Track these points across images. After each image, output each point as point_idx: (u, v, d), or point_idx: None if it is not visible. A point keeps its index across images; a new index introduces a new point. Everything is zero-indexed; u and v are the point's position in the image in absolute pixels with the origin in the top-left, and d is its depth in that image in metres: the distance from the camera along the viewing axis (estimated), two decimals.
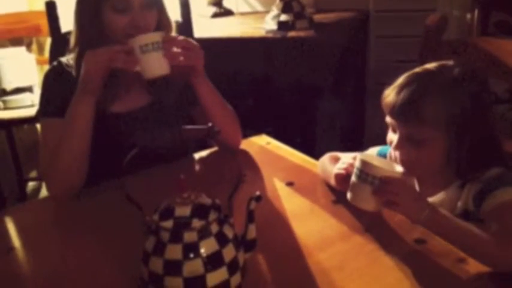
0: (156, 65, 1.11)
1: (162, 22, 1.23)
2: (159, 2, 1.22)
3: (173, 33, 1.28)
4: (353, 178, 0.92)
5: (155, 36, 1.10)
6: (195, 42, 1.18)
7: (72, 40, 1.23)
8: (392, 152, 1.03)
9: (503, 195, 0.91)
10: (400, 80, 1.00)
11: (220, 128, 1.02)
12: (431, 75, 0.98)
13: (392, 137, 1.01)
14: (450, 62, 1.00)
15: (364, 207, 0.92)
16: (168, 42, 1.12)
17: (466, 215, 0.97)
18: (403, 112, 0.96)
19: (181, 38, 1.17)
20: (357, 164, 0.92)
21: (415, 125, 0.96)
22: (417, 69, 1.01)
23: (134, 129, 1.25)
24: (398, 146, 0.99)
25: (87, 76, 1.11)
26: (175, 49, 1.14)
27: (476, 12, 2.26)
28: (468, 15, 2.32)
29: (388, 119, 1.01)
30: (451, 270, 0.81)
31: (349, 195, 0.94)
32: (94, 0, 1.15)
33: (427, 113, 0.94)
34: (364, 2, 2.48)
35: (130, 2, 1.14)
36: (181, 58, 1.14)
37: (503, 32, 2.26)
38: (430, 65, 1.01)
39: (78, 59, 1.19)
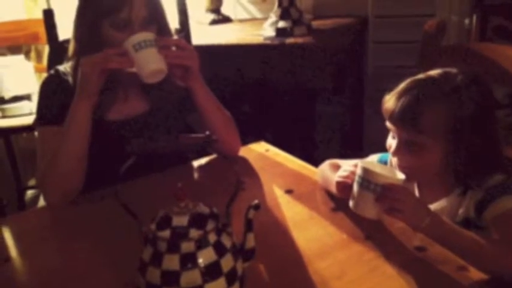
0: (151, 61, 1.09)
1: (163, 34, 1.22)
2: (160, 16, 1.21)
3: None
4: (355, 186, 0.92)
5: (148, 35, 1.10)
6: (188, 44, 1.18)
7: (70, 50, 1.23)
8: (391, 157, 1.03)
9: (505, 203, 0.90)
10: (402, 85, 1.00)
11: (218, 135, 1.01)
12: (432, 83, 0.98)
13: (392, 142, 1.01)
14: (454, 70, 0.99)
15: (367, 215, 0.92)
16: (161, 40, 1.12)
17: (467, 222, 0.96)
18: (402, 118, 0.96)
19: (174, 37, 1.16)
20: (359, 171, 0.91)
21: (413, 132, 0.95)
22: (420, 76, 1.01)
23: (131, 137, 1.24)
24: (396, 152, 0.99)
25: (84, 79, 1.10)
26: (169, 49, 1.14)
27: (474, 17, 2.27)
28: (467, 21, 2.32)
29: (388, 123, 1.01)
30: (451, 278, 0.81)
31: (351, 203, 0.93)
32: (94, 15, 1.15)
33: (425, 121, 0.94)
34: (363, 8, 2.48)
35: (131, 21, 1.14)
36: (176, 57, 1.14)
37: (502, 37, 2.27)
38: (434, 72, 1.00)
39: (76, 68, 1.18)
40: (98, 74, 1.09)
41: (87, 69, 1.10)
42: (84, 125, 1.13)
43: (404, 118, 0.96)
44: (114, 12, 1.13)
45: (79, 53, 1.20)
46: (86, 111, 1.12)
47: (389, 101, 0.99)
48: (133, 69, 1.10)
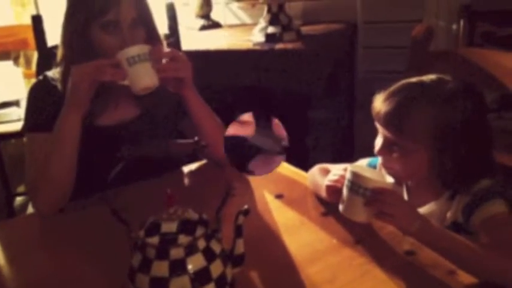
0: (144, 76, 1.09)
1: (152, 38, 1.22)
2: (148, 19, 1.21)
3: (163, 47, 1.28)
4: (345, 190, 0.92)
5: (142, 48, 1.09)
6: (182, 54, 1.17)
7: (59, 55, 1.22)
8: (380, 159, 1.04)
9: (492, 208, 0.91)
10: (392, 87, 1.01)
11: (209, 141, 1.01)
12: (422, 88, 0.98)
13: (379, 141, 1.02)
14: (447, 77, 1.00)
15: (357, 219, 0.92)
16: (155, 53, 1.11)
17: (455, 226, 0.96)
18: (387, 119, 0.97)
19: (168, 49, 1.16)
20: (348, 175, 0.92)
21: (396, 135, 0.96)
22: (412, 79, 1.01)
23: (122, 143, 1.23)
24: (380, 151, 1.01)
25: (74, 89, 1.09)
26: (163, 61, 1.13)
27: (462, 23, 2.29)
28: (454, 26, 2.34)
29: (376, 123, 1.02)
30: (441, 282, 0.81)
31: (341, 207, 0.94)
32: (82, 19, 1.14)
33: (409, 124, 0.94)
34: (352, 14, 2.50)
35: (119, 23, 1.13)
36: (170, 70, 1.13)
37: (490, 43, 2.29)
38: (427, 77, 1.01)
39: (65, 74, 1.18)
40: (89, 85, 1.09)
41: (78, 79, 1.09)
42: (74, 134, 1.12)
43: (389, 119, 0.97)
44: (101, 14, 1.13)
45: (68, 58, 1.19)
46: (76, 120, 1.11)
47: (378, 101, 1.00)
48: (125, 82, 1.10)
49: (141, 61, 1.08)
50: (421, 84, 0.99)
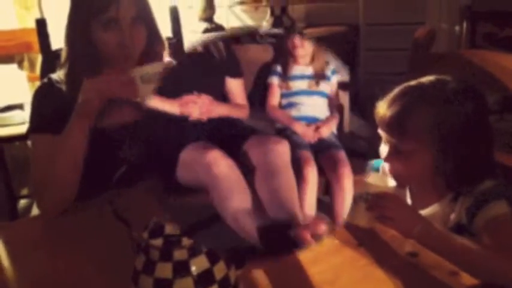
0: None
1: (153, 38, 1.23)
2: (148, 18, 1.22)
3: (165, 50, 1.29)
4: None
5: (156, 67, 1.09)
6: None
7: (63, 56, 1.23)
8: (384, 164, 1.04)
9: (495, 209, 0.91)
10: (393, 92, 1.01)
11: None
12: (422, 90, 0.99)
13: (383, 148, 1.02)
14: (447, 78, 1.00)
15: (360, 223, 0.93)
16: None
17: (459, 228, 0.97)
18: (391, 125, 0.97)
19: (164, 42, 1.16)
20: None
21: (399, 138, 0.97)
22: (412, 83, 1.02)
23: (124, 144, 1.24)
24: (387, 158, 1.00)
25: (86, 102, 1.10)
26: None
27: (464, 24, 2.29)
28: (457, 28, 2.35)
29: (379, 130, 1.02)
30: (443, 283, 0.81)
31: None
32: (84, 18, 1.16)
33: (410, 126, 0.95)
34: (354, 16, 2.51)
35: (119, 21, 1.14)
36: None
37: (492, 44, 2.29)
38: (426, 79, 1.01)
39: (68, 75, 1.19)
40: (100, 100, 1.10)
41: (90, 95, 1.09)
42: (81, 141, 1.12)
43: (393, 125, 0.97)
44: (101, 11, 1.14)
45: (71, 57, 1.20)
46: (84, 128, 1.12)
47: (381, 108, 1.01)
48: (138, 99, 1.10)
49: (155, 80, 1.08)
50: (420, 86, 1.00)
